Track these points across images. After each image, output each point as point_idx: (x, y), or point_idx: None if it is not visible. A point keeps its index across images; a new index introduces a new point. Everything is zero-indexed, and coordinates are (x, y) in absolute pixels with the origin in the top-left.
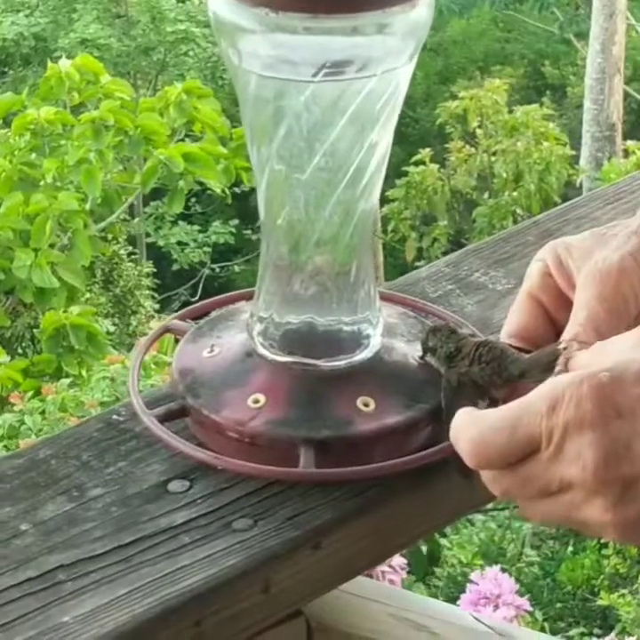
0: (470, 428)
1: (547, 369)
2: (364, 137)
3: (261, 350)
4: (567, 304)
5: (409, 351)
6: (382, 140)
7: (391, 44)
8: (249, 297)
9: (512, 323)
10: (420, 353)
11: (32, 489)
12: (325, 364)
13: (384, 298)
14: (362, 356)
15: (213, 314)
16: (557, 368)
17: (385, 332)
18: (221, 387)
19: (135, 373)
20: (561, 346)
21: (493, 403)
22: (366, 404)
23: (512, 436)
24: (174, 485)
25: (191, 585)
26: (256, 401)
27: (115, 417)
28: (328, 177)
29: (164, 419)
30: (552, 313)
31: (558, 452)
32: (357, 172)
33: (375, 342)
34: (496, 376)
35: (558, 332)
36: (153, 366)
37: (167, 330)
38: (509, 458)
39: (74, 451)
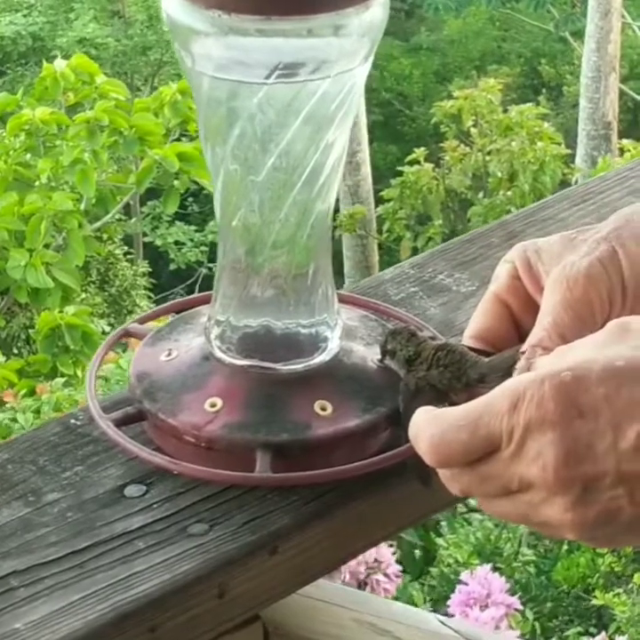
0: (430, 427)
1: (506, 373)
2: (319, 138)
3: (219, 354)
4: (533, 308)
5: (368, 354)
6: (338, 140)
7: (346, 45)
8: (209, 300)
9: (476, 324)
10: (380, 356)
11: None
12: (283, 367)
13: (345, 300)
14: (320, 359)
15: (173, 317)
16: (517, 371)
17: (344, 334)
18: (178, 391)
19: (92, 376)
20: (521, 350)
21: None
22: (324, 408)
23: (473, 435)
24: (131, 490)
25: (146, 590)
26: (213, 405)
27: (72, 421)
28: (283, 178)
29: (120, 423)
30: (518, 316)
31: (519, 451)
32: (313, 172)
33: (333, 345)
34: (455, 380)
35: (522, 336)
36: None
37: (126, 333)
38: (470, 456)
39: (30, 455)
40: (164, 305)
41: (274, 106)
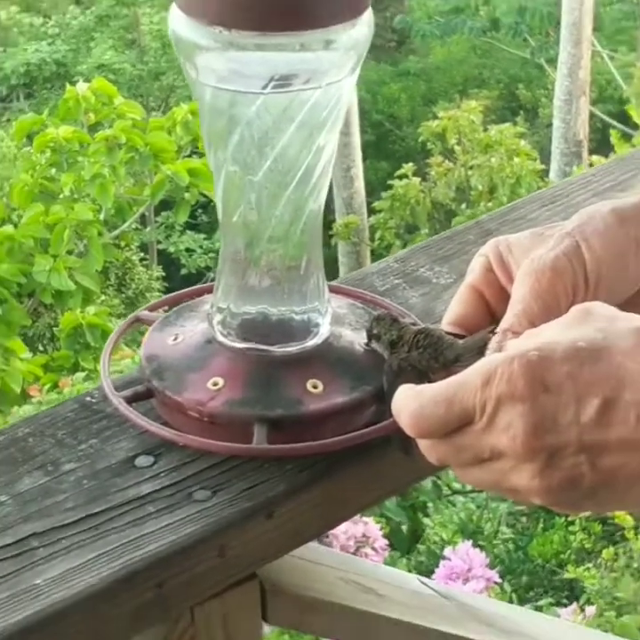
0: (411, 402)
1: (478, 352)
2: (311, 142)
3: (220, 338)
4: (505, 297)
5: (356, 338)
6: (328, 144)
7: (334, 58)
8: (212, 290)
9: (454, 312)
10: (366, 340)
11: (11, 464)
12: (278, 349)
13: (335, 290)
14: (312, 342)
15: (179, 305)
16: (490, 351)
17: (334, 320)
18: (184, 371)
19: (106, 358)
20: (491, 331)
21: None
22: (315, 386)
23: (449, 409)
24: (141, 460)
25: (154, 550)
26: (215, 383)
27: (88, 399)
28: (279, 178)
29: (131, 400)
30: (491, 304)
31: (490, 423)
32: (306, 174)
33: (324, 330)
34: (433, 360)
35: (496, 322)
36: None
37: (137, 320)
38: (446, 428)
39: (50, 429)
40: (172, 294)
41: (270, 113)
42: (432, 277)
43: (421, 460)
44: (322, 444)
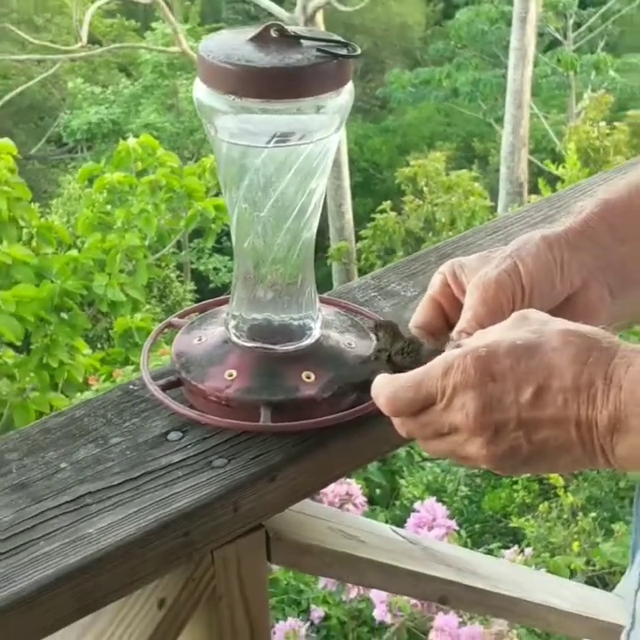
0: (386, 388)
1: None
2: (305, 185)
3: (234, 339)
4: (459, 306)
5: (340, 339)
6: (319, 186)
7: (324, 119)
8: (228, 301)
9: (418, 318)
10: (349, 340)
11: (70, 438)
12: (280, 348)
13: (324, 301)
14: (306, 342)
15: (202, 313)
16: (448, 348)
17: (323, 325)
18: (206, 365)
19: (145, 355)
20: (452, 335)
21: None
22: (309, 377)
23: (416, 393)
24: (172, 435)
25: (181, 506)
26: (230, 375)
27: (131, 386)
28: (280, 214)
29: (165, 387)
30: (447, 312)
31: (449, 405)
32: (301, 210)
33: (316, 332)
34: (415, 364)
35: (451, 325)
36: None
37: (169, 324)
38: (414, 408)
39: (101, 410)
40: (196, 304)
41: (273, 162)
42: (401, 291)
43: (393, 434)
44: (314, 422)
